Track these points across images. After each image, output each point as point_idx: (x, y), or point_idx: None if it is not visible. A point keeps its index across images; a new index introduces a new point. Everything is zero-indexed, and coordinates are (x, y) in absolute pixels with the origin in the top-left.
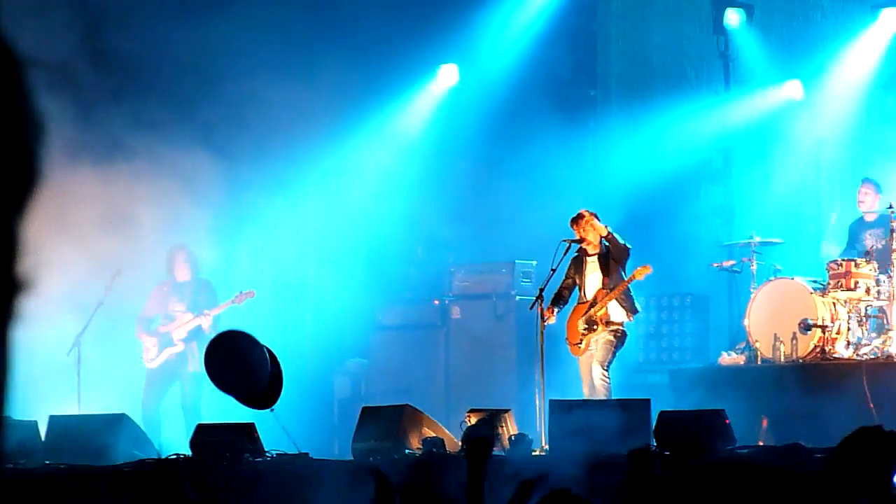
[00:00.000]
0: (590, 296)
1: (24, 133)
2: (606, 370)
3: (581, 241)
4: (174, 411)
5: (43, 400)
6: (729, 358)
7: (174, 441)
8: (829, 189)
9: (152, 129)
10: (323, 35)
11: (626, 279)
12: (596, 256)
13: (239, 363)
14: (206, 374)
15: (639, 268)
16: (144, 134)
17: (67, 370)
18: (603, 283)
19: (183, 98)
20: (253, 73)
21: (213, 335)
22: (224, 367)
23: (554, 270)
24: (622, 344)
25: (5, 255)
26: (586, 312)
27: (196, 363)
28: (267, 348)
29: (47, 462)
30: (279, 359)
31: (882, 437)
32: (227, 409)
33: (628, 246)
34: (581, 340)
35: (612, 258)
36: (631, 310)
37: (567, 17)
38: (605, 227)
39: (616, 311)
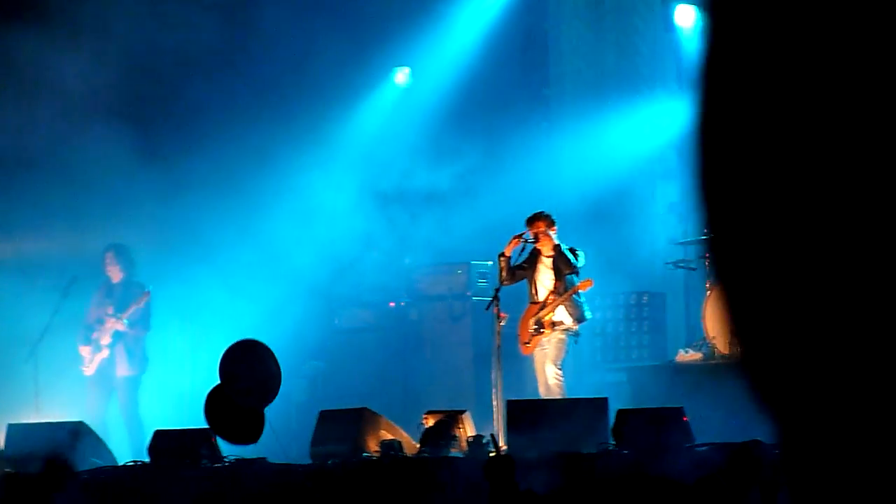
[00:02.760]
0: (541, 297)
1: None
2: (560, 369)
3: (536, 240)
4: (113, 417)
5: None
6: (686, 355)
7: (121, 447)
8: None
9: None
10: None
11: (573, 287)
12: (551, 259)
13: (257, 372)
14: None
15: (581, 281)
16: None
17: (24, 378)
18: (554, 287)
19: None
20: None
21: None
22: (241, 376)
23: (505, 259)
24: (575, 342)
25: None
26: (537, 313)
27: (125, 367)
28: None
29: (7, 470)
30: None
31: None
32: (165, 415)
33: (575, 265)
34: (530, 340)
35: (561, 266)
36: (578, 318)
37: (519, 17)
38: (555, 242)
39: (564, 317)
